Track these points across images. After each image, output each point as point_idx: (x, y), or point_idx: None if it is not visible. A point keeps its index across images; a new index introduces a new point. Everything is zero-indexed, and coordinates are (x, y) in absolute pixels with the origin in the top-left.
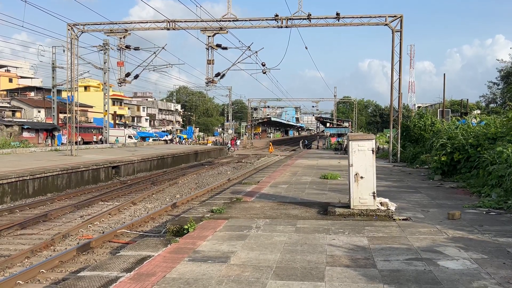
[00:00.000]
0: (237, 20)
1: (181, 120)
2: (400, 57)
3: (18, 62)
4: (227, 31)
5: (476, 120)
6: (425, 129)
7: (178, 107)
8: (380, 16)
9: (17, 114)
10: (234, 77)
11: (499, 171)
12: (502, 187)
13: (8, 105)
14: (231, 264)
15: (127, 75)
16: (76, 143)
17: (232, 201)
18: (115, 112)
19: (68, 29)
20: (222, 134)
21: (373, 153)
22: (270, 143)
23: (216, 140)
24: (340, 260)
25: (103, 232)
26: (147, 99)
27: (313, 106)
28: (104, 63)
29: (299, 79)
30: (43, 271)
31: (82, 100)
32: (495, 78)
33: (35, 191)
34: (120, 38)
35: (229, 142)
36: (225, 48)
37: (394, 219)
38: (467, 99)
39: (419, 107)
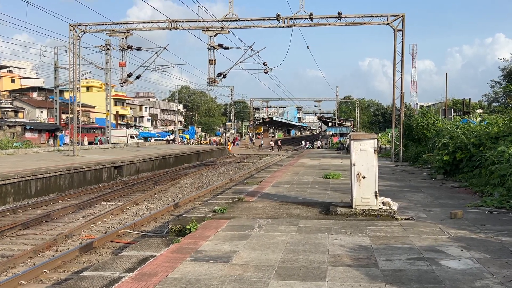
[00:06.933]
0: (239, 20)
1: (183, 120)
2: (402, 56)
3: (20, 62)
4: (228, 31)
5: (477, 119)
6: (428, 128)
7: (180, 107)
8: (382, 16)
9: (20, 115)
10: (235, 77)
11: (502, 171)
12: (504, 186)
13: (10, 105)
14: (233, 264)
15: (129, 75)
16: (78, 143)
17: (234, 201)
18: (117, 112)
19: (70, 30)
20: (224, 134)
21: (375, 153)
22: (229, 142)
23: (212, 140)
24: (342, 260)
25: (106, 232)
26: (149, 99)
27: (315, 106)
28: (106, 63)
29: (300, 79)
30: (46, 271)
31: (84, 100)
32: (497, 77)
33: (38, 192)
34: (122, 38)
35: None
36: (227, 48)
37: (396, 219)
38: (469, 98)
39: (421, 106)
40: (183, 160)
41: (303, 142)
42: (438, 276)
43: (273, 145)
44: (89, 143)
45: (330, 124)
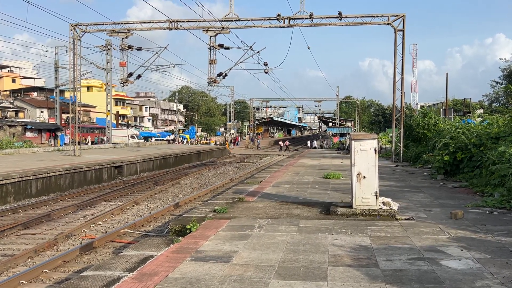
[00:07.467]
0: (239, 20)
1: (183, 120)
2: (402, 57)
3: (21, 62)
4: (229, 31)
5: (477, 119)
6: (429, 129)
7: (181, 107)
8: (382, 16)
9: (20, 115)
10: (235, 77)
11: (502, 171)
12: (505, 186)
13: (11, 105)
14: (233, 263)
15: (130, 75)
16: (78, 143)
17: (235, 201)
18: (117, 112)
19: (71, 29)
20: (224, 134)
21: (375, 153)
22: (226, 142)
23: (210, 141)
24: (342, 260)
25: (106, 232)
26: (149, 99)
27: (315, 106)
28: (107, 63)
29: (301, 79)
30: (46, 271)
31: (85, 100)
32: (498, 77)
33: (38, 191)
34: (123, 38)
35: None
36: (227, 48)
37: (397, 219)
38: (470, 99)
39: (422, 106)
40: (183, 160)
41: (308, 142)
42: (439, 276)
43: (282, 145)
44: (92, 142)
45: (330, 124)
